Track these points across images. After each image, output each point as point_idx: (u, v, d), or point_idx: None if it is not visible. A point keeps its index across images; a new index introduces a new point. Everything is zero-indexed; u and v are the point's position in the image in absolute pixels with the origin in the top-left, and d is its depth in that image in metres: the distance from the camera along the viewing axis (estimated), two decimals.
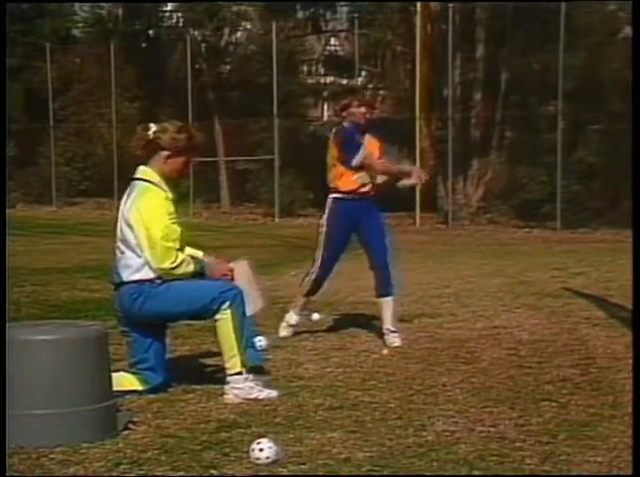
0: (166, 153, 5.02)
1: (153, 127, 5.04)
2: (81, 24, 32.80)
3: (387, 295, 6.76)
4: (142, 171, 5.04)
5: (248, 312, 5.06)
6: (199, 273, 5.03)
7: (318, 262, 6.81)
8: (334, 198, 6.77)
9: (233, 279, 5.12)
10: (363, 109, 6.71)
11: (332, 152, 6.74)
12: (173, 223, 4.95)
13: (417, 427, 4.35)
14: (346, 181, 6.70)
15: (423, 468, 3.77)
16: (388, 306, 6.75)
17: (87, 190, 28.26)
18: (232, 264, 5.22)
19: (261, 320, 6.35)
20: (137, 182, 5.03)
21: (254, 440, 3.91)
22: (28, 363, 4.05)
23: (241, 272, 5.22)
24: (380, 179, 6.80)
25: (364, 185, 6.71)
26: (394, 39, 27.81)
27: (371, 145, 6.77)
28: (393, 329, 6.68)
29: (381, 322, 6.78)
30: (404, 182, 6.86)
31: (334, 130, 6.88)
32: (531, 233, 19.95)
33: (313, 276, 6.84)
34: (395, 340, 6.60)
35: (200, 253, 5.25)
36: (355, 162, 6.62)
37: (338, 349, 6.43)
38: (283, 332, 6.91)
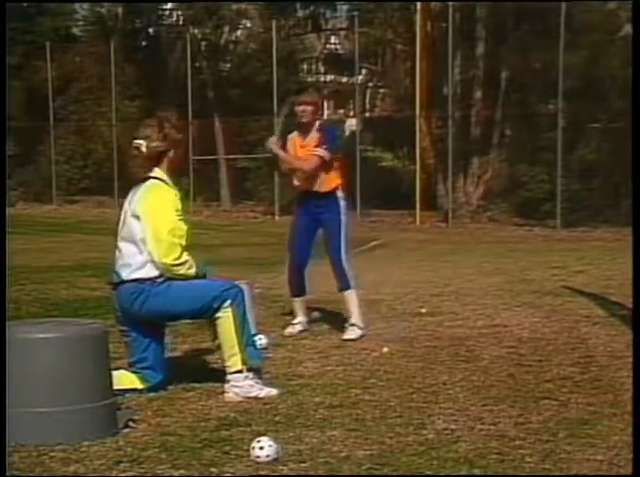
0: (172, 152, 5.06)
1: (142, 142, 5.04)
2: (81, 22, 32.83)
3: (344, 289, 6.92)
4: (154, 171, 5.07)
5: None
6: (202, 277, 5.05)
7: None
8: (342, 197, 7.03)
9: None
10: (300, 107, 6.82)
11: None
12: (180, 219, 4.97)
13: (418, 425, 4.35)
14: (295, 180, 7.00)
15: (423, 466, 3.77)
16: (348, 299, 6.92)
17: (88, 188, 28.27)
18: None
19: (261, 319, 6.35)
20: (148, 180, 5.05)
21: (255, 438, 3.91)
22: (28, 361, 4.05)
23: None
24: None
25: (306, 183, 6.88)
26: (393, 37, 27.82)
27: (311, 141, 6.87)
28: (352, 322, 6.84)
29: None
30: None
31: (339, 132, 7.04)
32: (531, 231, 19.95)
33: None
34: (349, 334, 6.74)
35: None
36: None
37: (338, 347, 6.44)
38: (288, 330, 6.95)
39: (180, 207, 5.02)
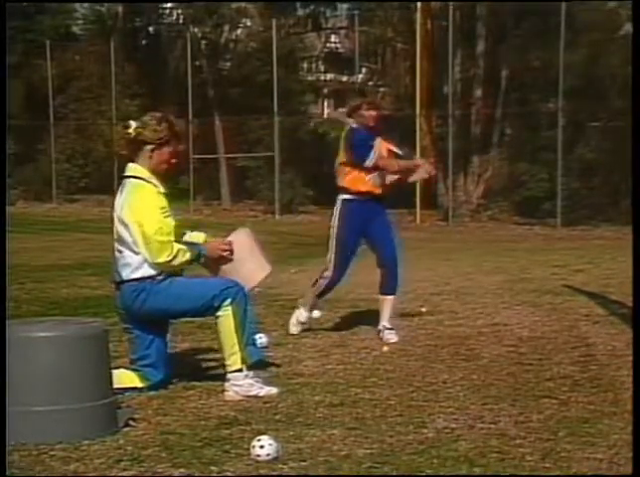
0: (150, 147, 5.00)
1: (133, 124, 5.03)
2: (81, 21, 32.85)
3: (390, 293, 6.79)
4: (132, 168, 5.04)
5: (257, 279, 5.17)
6: (197, 258, 5.04)
7: (331, 265, 6.80)
8: (343, 199, 6.76)
9: (232, 253, 5.13)
10: (372, 112, 6.68)
11: (342, 153, 6.74)
12: (166, 216, 4.95)
13: (418, 424, 4.35)
14: (356, 182, 6.69)
15: (424, 465, 3.76)
16: (388, 304, 6.80)
17: (88, 187, 28.28)
18: (230, 238, 5.23)
19: (261, 317, 6.35)
20: (128, 179, 5.03)
21: (255, 437, 3.91)
22: (28, 360, 4.05)
23: (242, 243, 5.22)
24: (389, 179, 6.79)
25: (375, 186, 6.70)
26: (394, 36, 27.84)
27: (381, 146, 6.76)
28: (389, 326, 6.72)
29: (378, 319, 6.82)
30: (415, 177, 6.92)
31: (344, 132, 6.83)
32: (531, 230, 19.96)
33: (327, 280, 6.86)
34: (391, 337, 6.63)
35: (202, 235, 5.27)
36: (369, 162, 6.60)
37: (338, 346, 6.43)
38: (293, 329, 6.92)
39: (164, 203, 4.98)
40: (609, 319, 7.55)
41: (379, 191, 6.73)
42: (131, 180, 5.01)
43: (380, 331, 6.74)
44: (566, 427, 4.29)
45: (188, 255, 4.98)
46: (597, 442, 4.05)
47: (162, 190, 5.02)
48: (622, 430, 4.21)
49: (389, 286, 6.78)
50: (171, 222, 4.97)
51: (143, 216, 4.88)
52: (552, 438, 4.12)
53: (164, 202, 4.99)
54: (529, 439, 4.11)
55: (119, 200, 5.01)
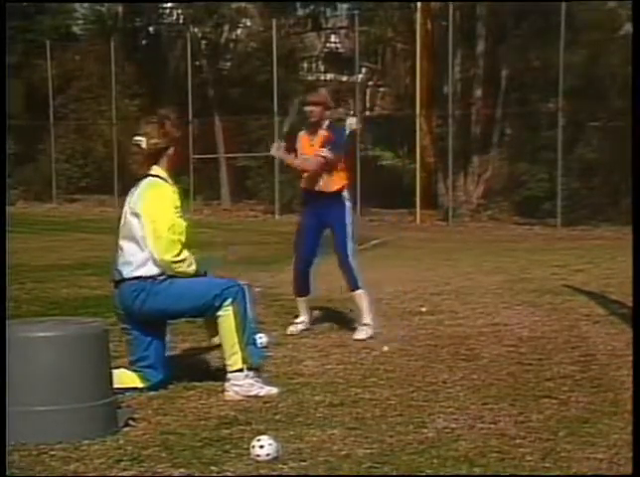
0: (172, 149, 5.07)
1: (142, 139, 5.05)
2: (82, 21, 32.82)
3: (353, 289, 6.92)
4: (154, 169, 5.09)
5: None
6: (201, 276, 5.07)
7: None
8: None
9: None
10: (309, 108, 6.87)
11: None
12: (179, 217, 4.98)
13: (418, 424, 4.36)
14: (302, 180, 7.04)
15: (424, 465, 3.77)
16: (357, 300, 6.93)
17: (88, 187, 28.29)
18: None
19: (261, 317, 6.35)
20: (145, 178, 5.07)
21: (255, 437, 3.91)
22: (28, 360, 4.05)
23: None
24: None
25: (312, 183, 6.88)
26: (394, 36, 27.82)
27: (318, 140, 6.87)
28: (364, 322, 6.82)
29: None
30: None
31: None
32: (531, 230, 19.95)
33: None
34: (358, 334, 6.72)
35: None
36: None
37: (338, 346, 6.44)
38: (291, 328, 6.96)
39: (179, 204, 5.04)
40: (609, 319, 7.55)
41: (319, 188, 6.86)
42: (149, 178, 5.05)
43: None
44: (566, 427, 4.29)
45: (193, 268, 5.01)
46: (597, 442, 4.06)
47: (176, 190, 5.08)
48: (622, 430, 4.21)
49: (349, 283, 6.92)
50: (183, 222, 5.01)
51: (157, 212, 4.92)
52: (551, 438, 4.12)
53: (178, 202, 5.03)
54: (529, 439, 4.11)
55: (134, 194, 5.05)
